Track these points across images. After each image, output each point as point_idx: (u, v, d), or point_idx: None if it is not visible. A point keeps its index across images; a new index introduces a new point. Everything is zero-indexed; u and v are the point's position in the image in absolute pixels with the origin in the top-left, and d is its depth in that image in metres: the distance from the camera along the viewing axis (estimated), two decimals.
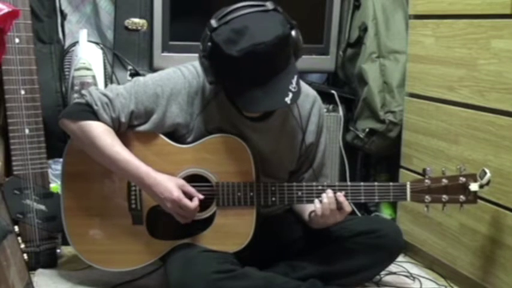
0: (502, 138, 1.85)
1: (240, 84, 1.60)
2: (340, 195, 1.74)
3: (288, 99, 1.57)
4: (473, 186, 1.75)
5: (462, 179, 1.76)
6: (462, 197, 1.77)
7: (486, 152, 1.91)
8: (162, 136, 1.79)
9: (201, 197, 1.73)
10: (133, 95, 1.75)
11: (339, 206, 1.74)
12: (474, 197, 1.77)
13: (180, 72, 1.78)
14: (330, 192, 1.74)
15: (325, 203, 1.73)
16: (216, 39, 1.58)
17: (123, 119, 1.74)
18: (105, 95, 1.75)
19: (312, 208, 1.79)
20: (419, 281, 2.11)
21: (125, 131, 1.77)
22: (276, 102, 1.59)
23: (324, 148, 1.95)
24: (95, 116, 1.72)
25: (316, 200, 1.75)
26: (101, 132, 1.71)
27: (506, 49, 1.82)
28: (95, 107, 1.73)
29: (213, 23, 1.60)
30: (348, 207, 1.75)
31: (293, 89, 1.58)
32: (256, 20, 1.58)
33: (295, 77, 1.60)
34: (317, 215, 1.75)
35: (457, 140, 2.04)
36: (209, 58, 1.63)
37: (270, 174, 1.86)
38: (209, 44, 1.60)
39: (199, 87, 1.78)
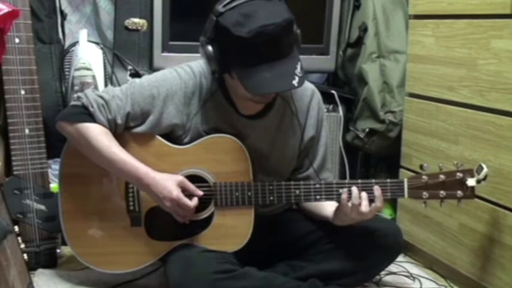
0: (502, 138, 1.85)
1: (248, 66, 1.60)
2: (377, 189, 1.74)
3: (295, 82, 1.60)
4: (471, 182, 1.75)
5: (459, 175, 1.75)
6: (460, 193, 1.76)
7: (486, 152, 1.91)
8: (159, 137, 1.79)
9: (201, 193, 1.72)
10: (129, 97, 1.75)
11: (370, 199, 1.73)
12: (472, 192, 1.76)
13: (176, 73, 1.79)
14: (353, 189, 1.74)
15: (343, 198, 1.73)
16: (224, 22, 1.59)
17: (119, 121, 1.75)
18: (101, 97, 1.75)
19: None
20: (419, 281, 2.11)
21: (121, 132, 1.77)
22: (284, 84, 1.61)
23: (325, 142, 1.95)
24: (92, 118, 1.73)
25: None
26: (98, 134, 1.72)
27: (506, 49, 1.82)
28: (91, 109, 1.73)
29: (220, 8, 1.61)
30: (381, 202, 1.74)
31: (299, 74, 1.61)
32: (262, 5, 1.60)
33: (299, 63, 1.63)
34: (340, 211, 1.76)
35: (457, 140, 2.03)
36: (214, 43, 1.64)
37: (270, 173, 1.85)
38: (215, 28, 1.61)
39: (196, 87, 1.78)
